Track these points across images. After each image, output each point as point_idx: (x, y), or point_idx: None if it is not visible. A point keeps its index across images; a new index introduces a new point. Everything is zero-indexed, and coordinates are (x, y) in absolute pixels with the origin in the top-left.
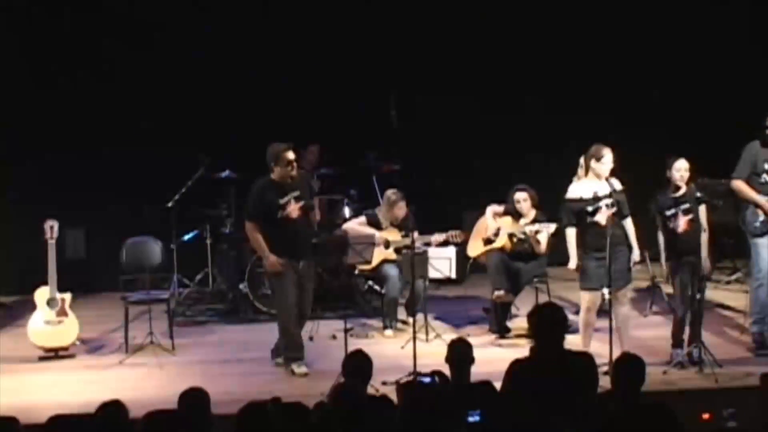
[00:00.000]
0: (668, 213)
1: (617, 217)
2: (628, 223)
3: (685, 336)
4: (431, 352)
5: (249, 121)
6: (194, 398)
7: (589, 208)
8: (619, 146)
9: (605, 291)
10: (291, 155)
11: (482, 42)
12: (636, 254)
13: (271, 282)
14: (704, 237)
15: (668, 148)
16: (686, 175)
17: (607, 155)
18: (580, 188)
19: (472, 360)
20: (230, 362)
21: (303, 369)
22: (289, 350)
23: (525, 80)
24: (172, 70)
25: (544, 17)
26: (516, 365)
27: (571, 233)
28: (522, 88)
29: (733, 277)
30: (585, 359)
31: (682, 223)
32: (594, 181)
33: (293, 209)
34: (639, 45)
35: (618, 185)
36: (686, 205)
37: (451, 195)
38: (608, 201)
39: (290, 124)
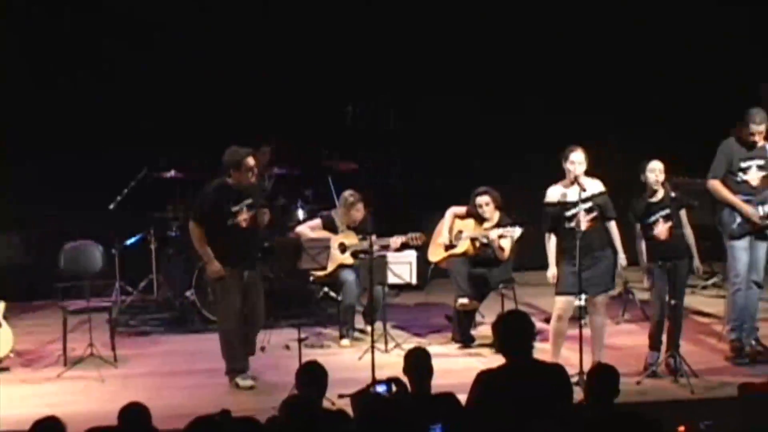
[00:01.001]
0: (649, 220)
1: (599, 221)
2: (612, 227)
3: (663, 339)
4: (390, 363)
5: (197, 118)
6: (135, 413)
7: (567, 213)
8: (613, 146)
9: (581, 298)
10: (251, 162)
11: (473, 39)
12: (622, 258)
13: (215, 290)
14: (690, 237)
15: (654, 147)
16: (661, 176)
17: (572, 154)
18: (556, 192)
19: (430, 369)
20: (177, 375)
21: (248, 382)
22: (232, 362)
23: (520, 79)
24: (120, 70)
25: (543, 17)
26: (484, 376)
27: (549, 239)
28: (511, 86)
29: (710, 281)
30: (557, 370)
31: (663, 230)
32: (569, 184)
33: (244, 218)
34: (633, 43)
35: (599, 186)
36: (666, 211)
37: (416, 196)
38: (587, 206)
39: (242, 121)
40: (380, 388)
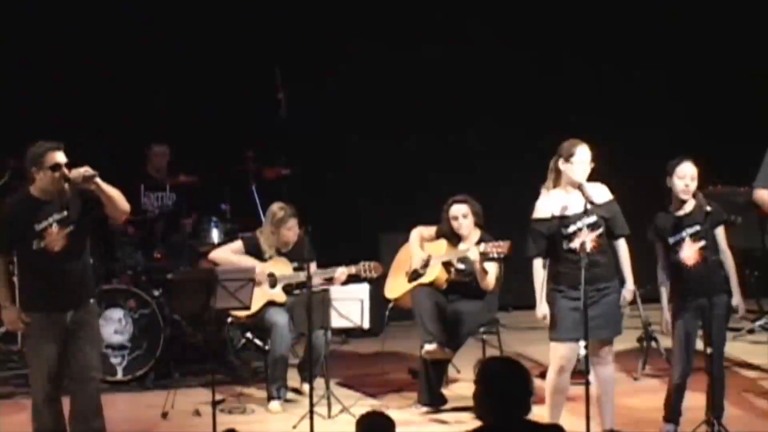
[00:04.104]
0: (672, 240)
1: (604, 239)
2: (622, 247)
3: (685, 407)
4: None
5: (77, 111)
6: None
7: (568, 230)
8: (611, 148)
9: (581, 345)
10: (58, 157)
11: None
12: (629, 290)
13: (24, 342)
14: (730, 265)
15: (673, 149)
16: (693, 184)
17: (580, 153)
18: (549, 203)
19: None
20: None
21: None
22: None
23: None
24: None
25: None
26: None
27: (539, 266)
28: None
29: (758, 323)
30: None
31: (690, 253)
32: (565, 191)
33: (56, 238)
34: (642, 20)
35: (606, 194)
36: (695, 228)
37: (367, 212)
38: (590, 220)
39: (135, 116)
40: None
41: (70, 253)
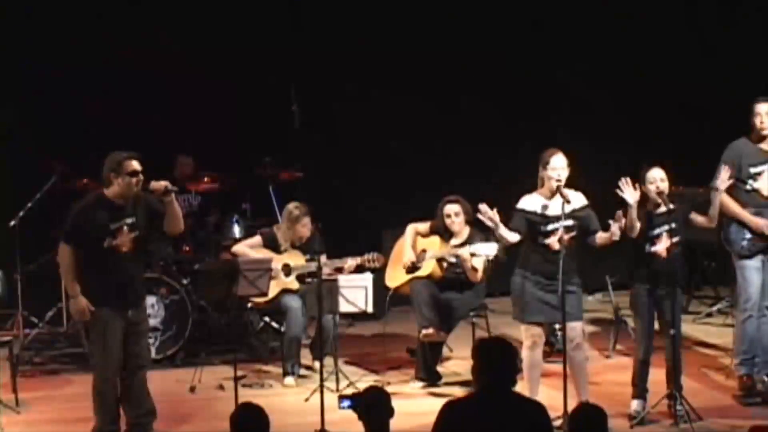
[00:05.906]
0: (653, 233)
1: (576, 241)
2: (602, 235)
3: (650, 384)
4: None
5: (114, 120)
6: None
7: (547, 228)
8: (578, 153)
9: (557, 328)
10: (136, 165)
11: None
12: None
13: (89, 332)
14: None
15: (639, 153)
16: (663, 185)
17: (553, 159)
18: (531, 201)
19: (390, 412)
20: (87, 421)
21: None
22: (104, 422)
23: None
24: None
25: (515, 17)
26: (450, 407)
27: (513, 237)
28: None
29: (715, 307)
30: (536, 407)
31: (665, 246)
32: (546, 195)
33: (125, 240)
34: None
35: (581, 200)
36: (672, 225)
37: (371, 210)
38: (568, 223)
39: (164, 123)
40: (344, 404)
41: (134, 255)
